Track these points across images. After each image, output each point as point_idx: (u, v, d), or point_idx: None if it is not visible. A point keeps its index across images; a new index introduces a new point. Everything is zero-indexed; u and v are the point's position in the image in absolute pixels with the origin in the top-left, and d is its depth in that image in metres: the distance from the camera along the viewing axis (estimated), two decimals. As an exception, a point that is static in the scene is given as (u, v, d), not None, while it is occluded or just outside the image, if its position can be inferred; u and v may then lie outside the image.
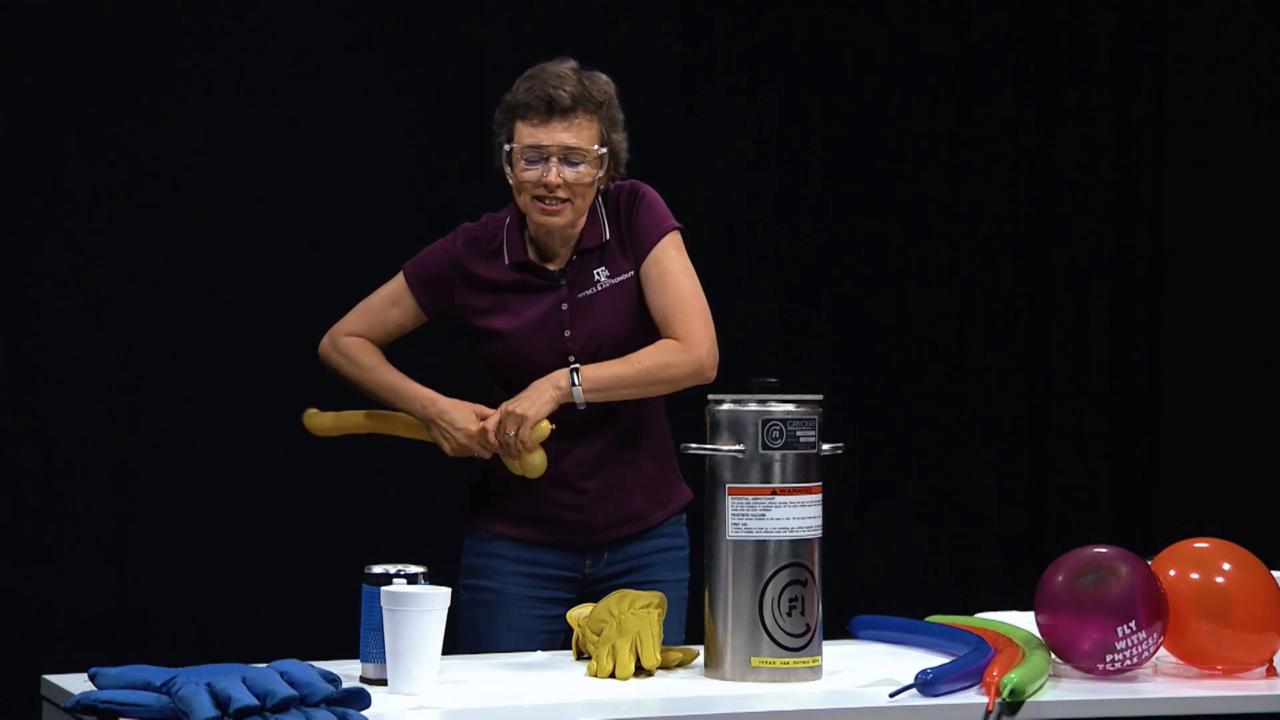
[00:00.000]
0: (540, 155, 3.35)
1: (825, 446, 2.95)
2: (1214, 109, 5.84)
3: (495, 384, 3.50)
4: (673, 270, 3.43)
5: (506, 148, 3.38)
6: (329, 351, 3.56)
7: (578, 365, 3.37)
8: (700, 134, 5.49)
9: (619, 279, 3.43)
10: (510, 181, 3.41)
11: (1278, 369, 5.81)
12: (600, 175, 3.38)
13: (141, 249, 4.88)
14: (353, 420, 3.57)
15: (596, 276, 3.43)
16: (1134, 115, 5.84)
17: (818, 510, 2.94)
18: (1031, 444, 5.81)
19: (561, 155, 3.34)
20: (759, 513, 2.90)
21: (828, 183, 5.65)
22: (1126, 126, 5.84)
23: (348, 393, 3.58)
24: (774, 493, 2.90)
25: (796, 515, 2.91)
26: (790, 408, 2.92)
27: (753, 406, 2.92)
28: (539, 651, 3.20)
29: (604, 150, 3.38)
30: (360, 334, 3.53)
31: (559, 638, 3.45)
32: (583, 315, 3.43)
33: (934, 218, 5.74)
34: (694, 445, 2.95)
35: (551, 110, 3.33)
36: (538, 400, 3.33)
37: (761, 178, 5.58)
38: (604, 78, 3.42)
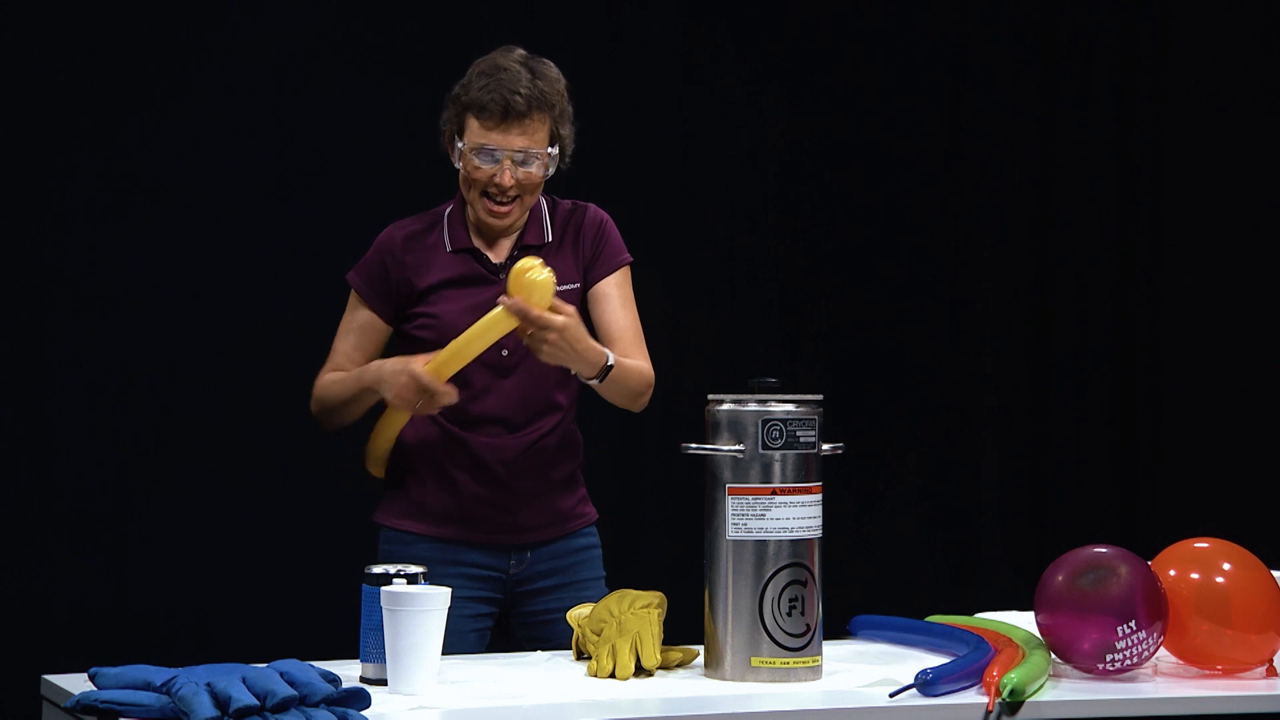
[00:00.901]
0: (494, 157, 3.40)
1: (825, 446, 2.95)
2: (1214, 109, 5.84)
3: None
4: (632, 298, 3.53)
5: (459, 143, 3.43)
6: (314, 403, 3.53)
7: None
8: (700, 133, 5.49)
9: (563, 288, 3.43)
10: (457, 168, 3.47)
11: (1278, 370, 5.81)
12: (550, 172, 3.46)
13: (142, 249, 4.88)
14: (389, 425, 3.47)
15: None
16: (1134, 115, 5.84)
17: (818, 510, 2.94)
18: (1031, 444, 5.81)
19: (515, 158, 3.40)
20: (759, 513, 2.90)
21: (828, 183, 5.65)
22: (1127, 127, 5.84)
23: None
24: (774, 493, 2.90)
25: (796, 515, 2.91)
26: (790, 408, 2.92)
27: (753, 406, 2.92)
28: (539, 651, 3.20)
29: (555, 150, 3.44)
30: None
31: (487, 637, 3.49)
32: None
33: (934, 218, 5.74)
34: (694, 445, 2.95)
35: (507, 115, 3.38)
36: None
37: (761, 178, 5.58)
38: (554, 71, 3.47)
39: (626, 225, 3.65)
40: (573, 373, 3.37)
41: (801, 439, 2.92)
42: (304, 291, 4.94)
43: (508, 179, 3.40)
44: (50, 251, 4.82)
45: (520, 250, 3.47)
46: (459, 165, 3.45)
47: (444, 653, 2.79)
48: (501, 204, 3.42)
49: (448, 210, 3.52)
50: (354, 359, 3.50)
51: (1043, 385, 5.82)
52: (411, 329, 3.50)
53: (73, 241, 4.84)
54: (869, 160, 5.68)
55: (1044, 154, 5.82)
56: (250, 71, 4.97)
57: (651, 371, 3.50)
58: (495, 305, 3.26)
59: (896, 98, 5.69)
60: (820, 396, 2.96)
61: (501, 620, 3.54)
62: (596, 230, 3.53)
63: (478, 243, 3.49)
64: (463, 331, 3.32)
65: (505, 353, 3.45)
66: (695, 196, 5.46)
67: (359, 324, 3.51)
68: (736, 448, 2.91)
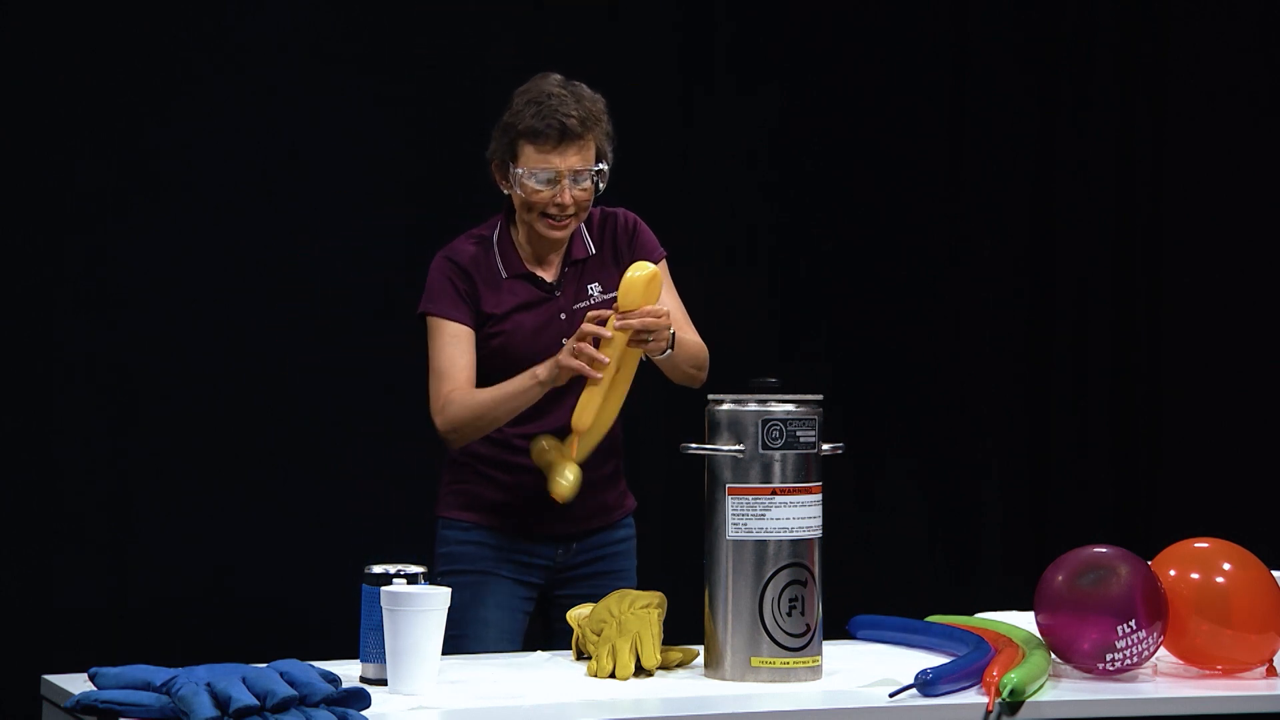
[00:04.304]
0: (553, 178, 3.52)
1: (825, 446, 2.95)
2: (1214, 109, 5.84)
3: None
4: (673, 287, 3.67)
5: (517, 170, 3.53)
6: (449, 413, 3.51)
7: None
8: (700, 133, 5.49)
9: (611, 295, 3.56)
10: (508, 192, 3.58)
11: (1278, 370, 5.81)
12: (602, 189, 3.58)
13: (142, 249, 4.88)
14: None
15: (591, 291, 3.62)
16: (1134, 116, 5.83)
17: (818, 510, 2.94)
18: (1032, 444, 5.81)
19: (572, 177, 3.52)
20: (759, 513, 2.90)
21: (827, 183, 5.65)
22: (1127, 127, 5.84)
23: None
24: (774, 493, 2.90)
25: (796, 515, 2.91)
26: (790, 408, 2.92)
27: (753, 406, 2.92)
28: (539, 651, 3.21)
29: (604, 166, 3.57)
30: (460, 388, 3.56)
31: (525, 621, 3.61)
32: (578, 325, 3.51)
33: (934, 218, 5.74)
34: (694, 445, 2.95)
35: (564, 137, 3.51)
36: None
37: (761, 178, 5.58)
38: (592, 93, 3.60)
39: (626, 225, 3.67)
40: (651, 353, 3.47)
41: (801, 439, 2.92)
42: (304, 291, 4.94)
43: (568, 197, 3.51)
44: (50, 251, 4.82)
45: (569, 267, 3.61)
46: (516, 190, 3.54)
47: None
48: (561, 221, 3.53)
49: (494, 235, 3.62)
50: (470, 369, 3.55)
51: (1043, 385, 5.81)
52: (482, 341, 3.58)
53: (73, 242, 4.84)
54: (869, 160, 5.67)
55: (1044, 154, 5.81)
56: (250, 71, 4.97)
57: (705, 346, 3.62)
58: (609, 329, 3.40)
59: (896, 98, 5.68)
60: (820, 396, 2.96)
61: (540, 602, 3.67)
62: (630, 236, 3.67)
63: (530, 266, 3.61)
64: (525, 348, 3.51)
65: None
66: (695, 196, 5.45)
67: (459, 337, 3.55)
68: (736, 448, 2.91)
